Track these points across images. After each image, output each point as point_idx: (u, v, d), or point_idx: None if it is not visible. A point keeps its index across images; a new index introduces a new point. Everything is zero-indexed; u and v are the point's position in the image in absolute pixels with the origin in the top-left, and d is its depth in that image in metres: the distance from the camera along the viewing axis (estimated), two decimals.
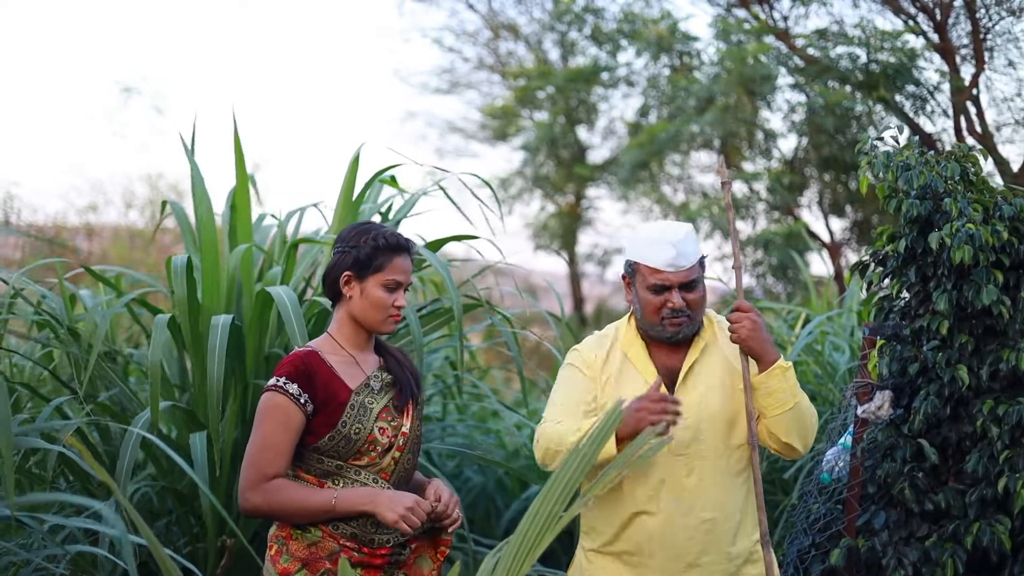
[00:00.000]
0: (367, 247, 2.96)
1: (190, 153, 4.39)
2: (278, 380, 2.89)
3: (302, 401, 2.87)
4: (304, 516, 2.87)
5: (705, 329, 3.24)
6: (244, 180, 4.39)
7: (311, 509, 2.86)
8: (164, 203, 4.85)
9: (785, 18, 11.06)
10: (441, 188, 4.58)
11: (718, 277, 6.77)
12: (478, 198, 4.57)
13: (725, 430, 3.16)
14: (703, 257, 3.19)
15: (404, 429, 3.00)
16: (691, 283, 3.14)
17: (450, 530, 3.00)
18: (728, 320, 3.10)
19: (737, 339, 3.05)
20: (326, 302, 3.83)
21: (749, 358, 3.09)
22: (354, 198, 4.40)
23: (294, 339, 3.63)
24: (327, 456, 2.91)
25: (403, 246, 3.01)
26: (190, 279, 4.01)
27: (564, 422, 3.17)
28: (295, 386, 2.87)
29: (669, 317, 3.16)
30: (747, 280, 12.25)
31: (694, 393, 3.16)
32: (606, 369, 3.25)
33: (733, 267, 3.22)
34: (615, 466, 1.85)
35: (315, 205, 4.88)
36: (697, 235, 3.25)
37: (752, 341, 3.04)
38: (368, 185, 4.52)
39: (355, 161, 4.43)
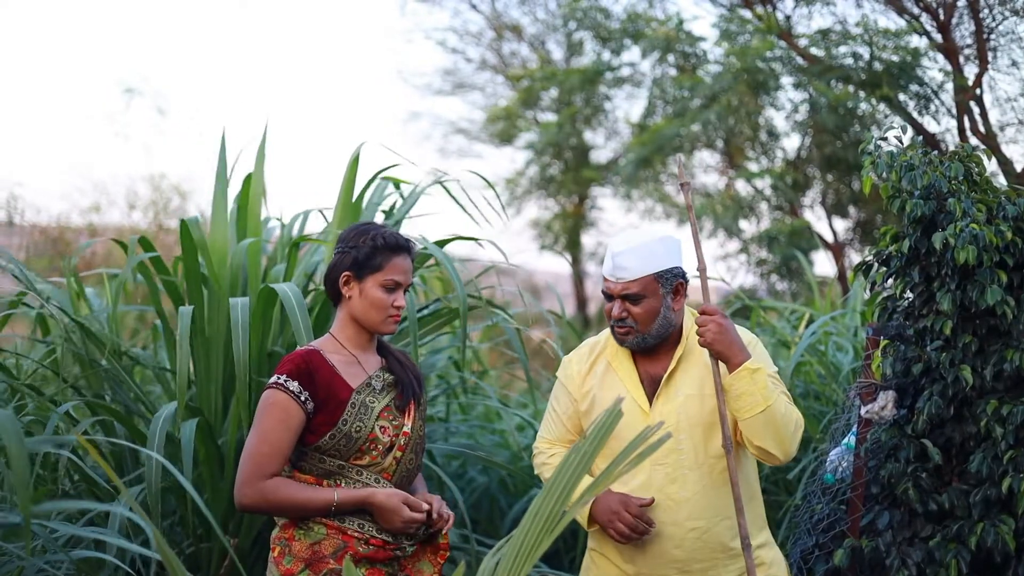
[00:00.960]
0: (366, 247, 2.97)
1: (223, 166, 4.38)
2: (279, 377, 2.90)
3: (302, 399, 2.88)
4: (301, 514, 2.89)
5: (687, 336, 3.24)
6: (260, 179, 4.39)
7: (309, 508, 2.87)
8: (183, 222, 4.86)
9: (788, 18, 11.06)
10: (444, 187, 4.57)
11: (720, 277, 6.77)
12: (486, 199, 4.57)
13: (705, 438, 3.16)
14: (669, 271, 3.16)
15: (405, 429, 3.01)
16: (632, 296, 3.15)
17: (444, 530, 3.01)
18: (696, 324, 3.10)
19: (703, 343, 3.05)
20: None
21: (719, 361, 3.09)
22: (354, 198, 4.40)
23: (298, 335, 3.63)
24: (328, 456, 2.92)
25: (402, 246, 3.02)
26: (195, 270, 4.01)
27: (544, 454, 3.39)
28: (296, 384, 2.88)
29: (614, 324, 3.21)
30: (751, 279, 12.25)
31: (673, 403, 3.17)
32: (588, 381, 3.32)
33: (697, 270, 3.19)
34: (607, 472, 1.84)
35: (322, 211, 4.87)
36: (669, 248, 3.22)
37: (718, 344, 3.03)
38: (368, 185, 4.52)
39: (354, 161, 4.43)
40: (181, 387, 3.64)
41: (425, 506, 2.95)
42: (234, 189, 4.62)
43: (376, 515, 2.90)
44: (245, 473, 2.86)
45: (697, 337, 3.08)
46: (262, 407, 2.90)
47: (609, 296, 3.21)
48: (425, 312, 4.59)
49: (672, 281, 3.17)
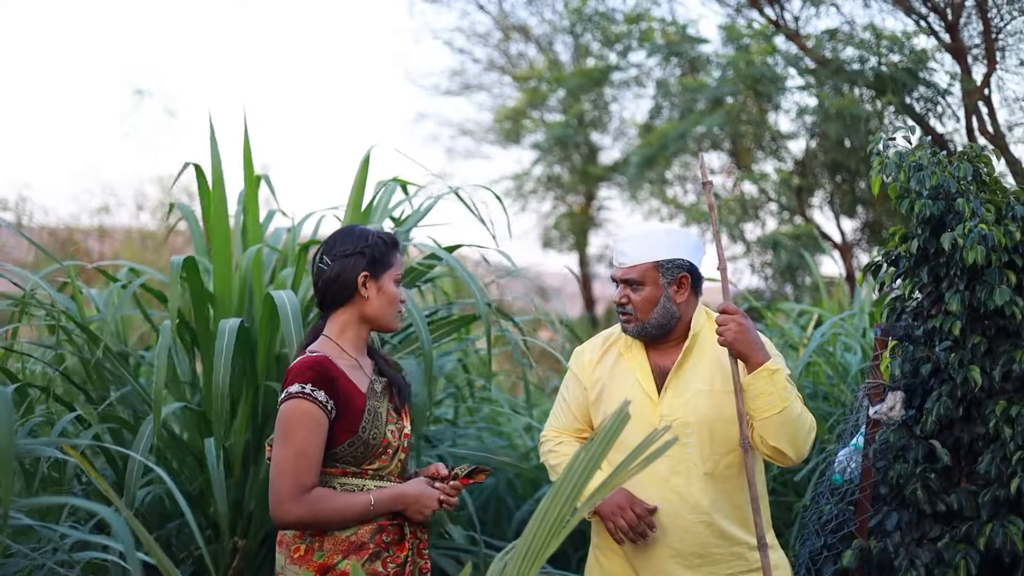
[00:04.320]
0: (379, 246, 2.98)
1: (215, 153, 4.35)
2: (303, 387, 2.83)
3: (328, 408, 2.83)
4: (343, 523, 2.86)
5: (698, 332, 3.24)
6: (252, 182, 4.39)
7: (351, 516, 2.85)
8: (171, 205, 4.86)
9: (796, 19, 11.04)
10: (460, 197, 4.56)
11: (732, 282, 6.75)
12: (488, 210, 4.57)
13: (712, 433, 3.16)
14: (670, 261, 3.19)
15: (406, 430, 3.02)
16: (631, 282, 3.21)
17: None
18: (716, 323, 3.10)
19: (723, 342, 3.05)
20: None
21: (738, 360, 3.08)
22: (364, 205, 4.40)
23: (290, 343, 3.64)
24: (341, 462, 2.90)
25: (398, 241, 3.08)
26: (196, 279, 4.00)
27: (552, 442, 3.41)
28: (322, 393, 2.83)
29: (618, 310, 3.27)
30: (755, 281, 12.23)
31: (683, 397, 3.18)
32: (598, 369, 3.34)
33: (718, 268, 3.20)
34: (615, 474, 1.84)
35: (333, 209, 4.87)
36: (675, 240, 3.25)
37: (738, 344, 3.03)
38: (380, 191, 4.51)
39: (364, 166, 4.42)
40: (157, 404, 3.59)
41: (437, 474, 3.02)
42: (239, 190, 4.62)
43: (408, 511, 2.93)
44: (287, 489, 2.79)
45: (716, 336, 3.09)
46: (291, 418, 2.82)
47: (615, 281, 3.27)
48: (436, 317, 4.58)
49: (674, 272, 3.20)
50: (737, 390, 3.06)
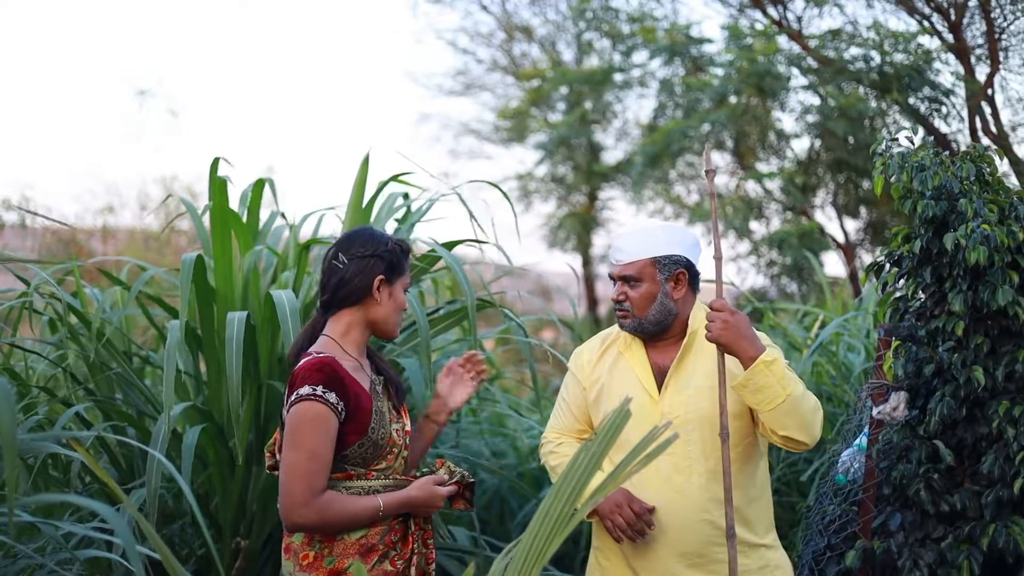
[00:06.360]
0: (395, 252, 2.97)
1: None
2: (315, 389, 2.79)
3: (339, 409, 2.81)
4: (353, 527, 2.85)
5: (696, 329, 3.23)
6: (222, 192, 4.37)
7: (361, 520, 2.85)
8: (168, 195, 4.86)
9: (799, 19, 11.03)
10: (460, 197, 4.55)
11: (730, 281, 6.75)
12: (508, 200, 4.56)
13: (714, 431, 3.15)
14: (667, 257, 3.19)
15: (407, 428, 3.02)
16: (628, 279, 3.21)
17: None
18: (706, 319, 3.08)
19: (710, 337, 3.02)
20: None
21: (726, 355, 3.06)
22: (364, 203, 4.39)
23: (288, 343, 3.64)
24: (350, 464, 2.88)
25: (410, 249, 3.09)
26: (202, 277, 4.00)
27: (552, 443, 3.42)
28: (333, 395, 2.80)
29: (615, 308, 3.27)
30: (761, 280, 12.22)
31: (683, 394, 3.17)
32: (597, 369, 3.35)
33: (713, 257, 3.15)
34: (616, 472, 1.84)
35: (332, 209, 4.87)
36: (671, 236, 3.24)
37: (726, 340, 3.00)
38: (379, 190, 4.51)
39: (364, 166, 4.42)
40: (168, 399, 3.57)
41: (446, 478, 3.04)
42: (240, 191, 4.62)
43: (416, 511, 2.95)
44: (299, 494, 2.76)
45: (705, 332, 3.07)
46: (302, 421, 2.78)
47: (612, 279, 3.28)
48: (438, 314, 4.58)
49: (671, 268, 3.19)
50: (721, 382, 3.04)
